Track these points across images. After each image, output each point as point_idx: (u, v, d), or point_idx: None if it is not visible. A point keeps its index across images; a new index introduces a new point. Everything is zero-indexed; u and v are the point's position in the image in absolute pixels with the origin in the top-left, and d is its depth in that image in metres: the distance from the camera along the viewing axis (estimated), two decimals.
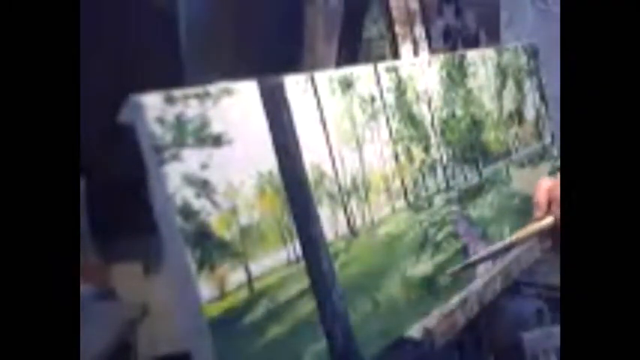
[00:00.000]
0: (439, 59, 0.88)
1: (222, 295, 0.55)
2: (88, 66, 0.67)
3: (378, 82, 0.76)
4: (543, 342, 1.19)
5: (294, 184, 0.63)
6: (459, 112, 0.90)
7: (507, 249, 0.87)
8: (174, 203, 0.52)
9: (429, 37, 0.96)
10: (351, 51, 1.20)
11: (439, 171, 0.84)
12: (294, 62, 1.15)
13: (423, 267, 0.77)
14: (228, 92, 0.58)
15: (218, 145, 0.56)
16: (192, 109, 0.55)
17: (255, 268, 0.58)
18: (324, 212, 0.66)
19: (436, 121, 0.85)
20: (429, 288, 0.78)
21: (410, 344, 0.73)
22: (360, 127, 0.73)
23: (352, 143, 0.71)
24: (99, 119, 0.69)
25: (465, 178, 0.89)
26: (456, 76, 0.90)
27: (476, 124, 0.93)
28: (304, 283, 0.62)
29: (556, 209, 0.81)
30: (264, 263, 0.59)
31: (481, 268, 0.87)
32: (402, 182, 0.77)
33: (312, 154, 0.65)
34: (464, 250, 0.85)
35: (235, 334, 0.55)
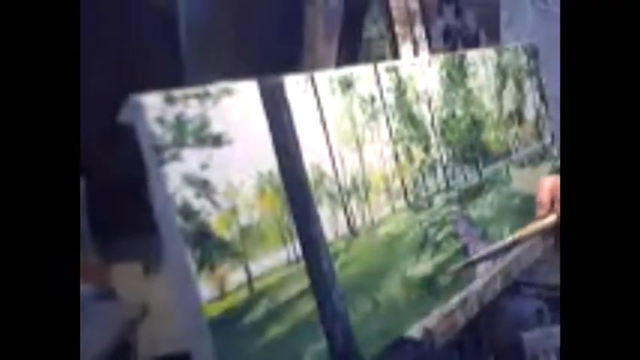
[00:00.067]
0: (439, 59, 0.88)
1: (222, 295, 0.55)
2: (88, 66, 0.67)
3: (378, 82, 0.76)
4: (543, 342, 1.19)
5: (294, 184, 0.63)
6: (459, 112, 0.90)
7: (510, 247, 0.87)
8: (174, 203, 0.52)
9: (429, 37, 0.96)
10: (351, 51, 1.20)
11: (439, 171, 0.84)
12: (294, 62, 1.15)
13: (423, 267, 0.77)
14: (228, 92, 0.58)
15: (218, 145, 0.56)
16: (192, 109, 0.55)
17: (255, 268, 0.58)
18: (324, 212, 0.66)
19: (436, 121, 0.85)
20: (429, 288, 0.77)
21: (410, 344, 0.72)
22: (360, 127, 0.73)
23: (352, 143, 0.71)
24: (99, 119, 0.69)
25: (465, 178, 0.89)
26: (456, 76, 0.90)
27: (476, 124, 0.93)
28: (304, 283, 0.62)
29: (559, 208, 0.81)
30: (264, 263, 0.59)
31: (481, 268, 0.87)
32: (402, 182, 0.77)
33: (312, 154, 0.65)
34: (464, 250, 0.85)
35: (235, 334, 0.55)
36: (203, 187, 0.55)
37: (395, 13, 0.90)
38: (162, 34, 1.08)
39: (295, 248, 0.62)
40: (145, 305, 1.04)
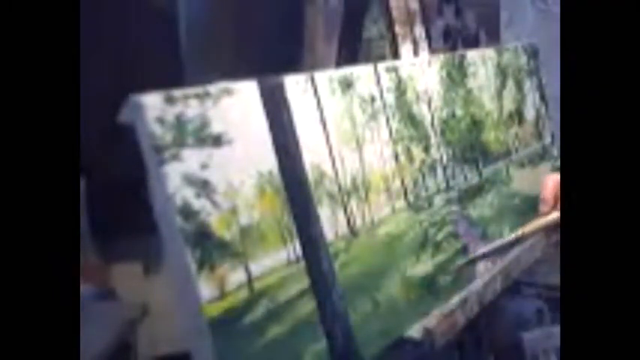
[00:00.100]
0: (439, 59, 0.88)
1: (222, 295, 0.55)
2: (88, 66, 0.67)
3: (378, 82, 0.76)
4: (543, 342, 1.19)
5: (294, 184, 0.63)
6: (459, 112, 0.90)
7: (514, 243, 0.87)
8: (174, 203, 0.52)
9: (429, 37, 0.96)
10: (351, 51, 1.20)
11: (439, 171, 0.84)
12: (294, 62, 1.15)
13: (423, 267, 0.77)
14: (228, 92, 0.58)
15: (218, 145, 0.56)
16: (192, 109, 0.55)
17: (255, 268, 0.58)
18: (324, 212, 0.66)
19: (436, 121, 0.85)
20: (429, 288, 0.77)
21: (410, 344, 0.72)
22: (360, 127, 0.73)
23: (352, 143, 0.71)
24: (99, 119, 0.69)
25: (465, 178, 0.89)
26: (456, 76, 0.90)
27: (476, 124, 0.93)
28: (304, 283, 0.62)
29: None
30: (264, 263, 0.59)
31: (481, 268, 0.87)
32: (402, 182, 0.77)
33: (312, 154, 0.65)
34: (464, 250, 0.85)
35: (235, 334, 0.55)
36: (203, 187, 0.55)
37: (395, 13, 0.90)
38: (162, 34, 1.08)
39: (295, 248, 0.62)
40: (145, 305, 1.04)
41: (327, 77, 0.69)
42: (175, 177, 0.53)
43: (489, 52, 0.99)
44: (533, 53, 1.09)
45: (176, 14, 1.08)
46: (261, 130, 0.61)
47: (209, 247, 0.54)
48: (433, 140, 0.83)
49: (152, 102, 0.52)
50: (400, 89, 0.79)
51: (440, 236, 0.81)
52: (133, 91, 0.52)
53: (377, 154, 0.74)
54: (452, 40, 1.33)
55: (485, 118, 0.95)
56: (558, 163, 1.11)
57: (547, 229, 0.83)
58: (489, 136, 0.95)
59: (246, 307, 0.57)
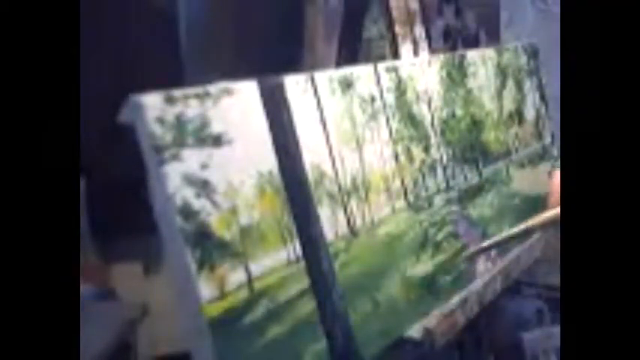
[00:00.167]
0: (439, 59, 0.88)
1: (222, 295, 0.55)
2: (88, 66, 0.67)
3: (378, 82, 0.76)
4: (543, 342, 1.19)
5: (294, 184, 0.63)
6: (459, 112, 0.90)
7: (522, 235, 0.87)
8: (174, 203, 0.52)
9: (429, 37, 0.96)
10: (351, 51, 1.20)
11: (439, 171, 0.84)
12: (294, 62, 1.15)
13: (423, 267, 0.77)
14: (228, 92, 0.58)
15: (218, 145, 0.56)
16: (192, 109, 0.55)
17: (255, 268, 0.58)
18: (324, 212, 0.66)
19: (436, 121, 0.85)
20: (429, 288, 0.77)
21: (410, 344, 0.72)
22: (360, 127, 0.73)
23: (352, 143, 0.71)
24: (99, 119, 0.69)
25: (465, 178, 0.89)
26: (456, 76, 0.90)
27: (476, 124, 0.93)
28: (304, 283, 0.62)
29: None
30: (264, 263, 0.59)
31: (481, 268, 0.87)
32: (402, 182, 0.77)
33: (312, 154, 0.65)
34: (464, 250, 0.85)
35: (235, 334, 0.55)
36: (203, 187, 0.55)
37: (395, 13, 0.90)
38: (162, 34, 1.08)
39: (295, 248, 0.62)
40: (145, 305, 1.04)
41: (327, 77, 0.69)
42: (175, 177, 0.53)
43: (489, 52, 0.99)
44: (533, 53, 1.09)
45: (176, 14, 1.08)
46: (261, 130, 0.61)
47: (209, 247, 0.54)
48: (433, 140, 0.83)
49: (152, 102, 0.52)
50: (400, 89, 0.79)
51: (440, 236, 0.81)
52: (133, 91, 0.52)
53: (377, 154, 0.74)
54: (452, 40, 1.33)
55: (485, 118, 0.95)
56: (558, 163, 1.11)
57: (555, 223, 0.83)
58: (489, 136, 0.95)
59: (246, 307, 0.57)
